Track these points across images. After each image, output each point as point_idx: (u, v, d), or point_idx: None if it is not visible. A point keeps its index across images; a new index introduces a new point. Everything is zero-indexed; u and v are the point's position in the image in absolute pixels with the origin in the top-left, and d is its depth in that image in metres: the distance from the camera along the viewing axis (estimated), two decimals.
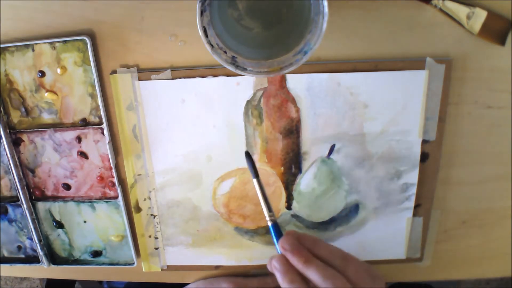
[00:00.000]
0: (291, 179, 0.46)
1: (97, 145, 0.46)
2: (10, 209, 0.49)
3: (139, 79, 0.43)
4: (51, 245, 0.51)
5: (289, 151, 0.45)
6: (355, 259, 0.37)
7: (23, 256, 0.52)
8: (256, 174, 0.39)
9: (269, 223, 0.39)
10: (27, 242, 0.51)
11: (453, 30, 0.40)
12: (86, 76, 0.43)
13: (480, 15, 0.39)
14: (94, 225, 0.49)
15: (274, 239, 0.38)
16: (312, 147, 0.45)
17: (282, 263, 0.35)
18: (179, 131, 0.45)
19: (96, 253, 0.51)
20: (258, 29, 0.38)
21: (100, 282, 0.78)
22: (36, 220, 0.49)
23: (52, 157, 0.47)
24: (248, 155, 0.41)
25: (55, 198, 0.48)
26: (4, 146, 0.45)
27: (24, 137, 0.46)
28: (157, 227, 0.49)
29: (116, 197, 0.47)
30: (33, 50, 0.42)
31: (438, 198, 0.47)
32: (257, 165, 0.46)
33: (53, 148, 0.46)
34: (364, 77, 0.42)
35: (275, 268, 0.35)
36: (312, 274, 0.34)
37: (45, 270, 0.52)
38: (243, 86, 0.43)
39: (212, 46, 0.34)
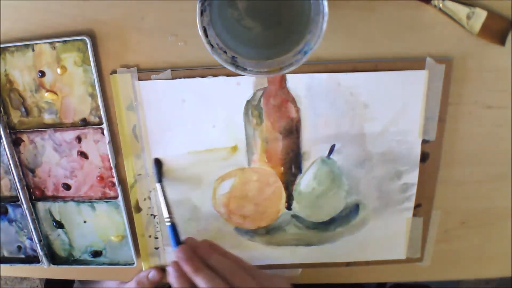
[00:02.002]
0: (291, 179, 0.46)
1: (97, 145, 0.46)
2: (10, 209, 0.49)
3: (139, 79, 0.43)
4: (51, 245, 0.51)
5: (289, 151, 0.45)
6: (247, 268, 0.40)
7: (23, 256, 0.52)
8: (159, 180, 0.45)
9: (168, 223, 0.44)
10: (27, 242, 0.51)
11: (453, 30, 0.40)
12: (86, 76, 0.43)
13: (480, 15, 0.39)
14: (94, 225, 0.49)
15: (172, 243, 0.44)
16: (312, 147, 0.45)
17: (175, 269, 0.39)
18: (179, 131, 0.45)
19: (96, 253, 0.51)
20: (258, 29, 0.38)
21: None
22: (36, 220, 0.49)
23: (52, 157, 0.47)
24: (156, 161, 0.46)
25: (55, 198, 0.48)
26: (4, 146, 0.45)
27: (24, 137, 0.46)
28: (157, 227, 0.49)
29: (116, 197, 0.47)
30: (33, 50, 0.42)
31: (438, 198, 0.47)
32: (257, 165, 0.46)
33: (53, 148, 0.46)
34: (364, 77, 0.42)
35: (168, 273, 0.40)
36: (200, 282, 0.38)
37: (45, 270, 0.52)
38: (243, 86, 0.43)
39: (212, 46, 0.34)
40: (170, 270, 0.40)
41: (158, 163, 0.45)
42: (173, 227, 0.44)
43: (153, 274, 0.50)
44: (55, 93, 0.44)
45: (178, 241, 0.44)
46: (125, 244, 0.50)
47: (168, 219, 0.44)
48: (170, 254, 0.50)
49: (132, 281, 0.51)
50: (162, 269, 0.51)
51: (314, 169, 0.46)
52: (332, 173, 0.46)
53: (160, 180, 0.45)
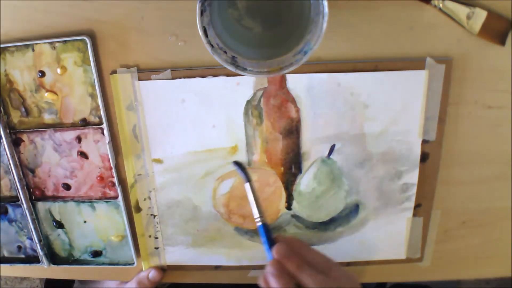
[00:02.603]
0: (291, 179, 0.46)
1: (97, 145, 0.46)
2: (10, 209, 0.49)
3: (139, 79, 0.43)
4: (51, 245, 0.51)
5: (289, 151, 0.45)
6: (335, 263, 0.40)
7: (23, 256, 0.52)
8: (248, 179, 0.41)
9: (258, 224, 0.41)
10: (27, 242, 0.51)
11: (453, 30, 0.40)
12: (86, 76, 0.43)
13: (480, 15, 0.39)
14: (94, 225, 0.49)
15: (265, 242, 0.40)
16: (312, 147, 0.45)
17: (276, 268, 0.38)
18: (179, 131, 0.45)
19: (96, 253, 0.51)
20: (258, 29, 0.38)
21: None
22: (36, 220, 0.49)
23: (52, 157, 0.47)
24: (237, 164, 0.43)
25: (55, 198, 0.48)
26: (4, 146, 0.45)
27: (24, 137, 0.46)
28: (157, 227, 0.49)
29: (116, 197, 0.47)
30: (33, 50, 0.42)
31: (438, 198, 0.47)
32: (257, 165, 0.46)
33: (53, 148, 0.46)
34: (364, 77, 0.42)
35: (270, 273, 0.38)
36: (305, 279, 0.37)
37: (45, 270, 0.52)
38: (243, 86, 0.43)
39: (212, 46, 0.34)
40: (270, 270, 0.38)
41: (239, 165, 0.43)
42: (265, 227, 0.41)
43: (153, 274, 0.50)
44: (55, 93, 0.44)
45: (271, 240, 0.40)
46: (125, 244, 0.50)
47: (259, 219, 0.41)
48: (170, 254, 0.50)
49: (132, 281, 0.51)
50: (162, 269, 0.51)
51: (314, 169, 0.46)
52: (332, 173, 0.46)
53: (248, 180, 0.41)
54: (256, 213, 0.41)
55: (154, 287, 0.51)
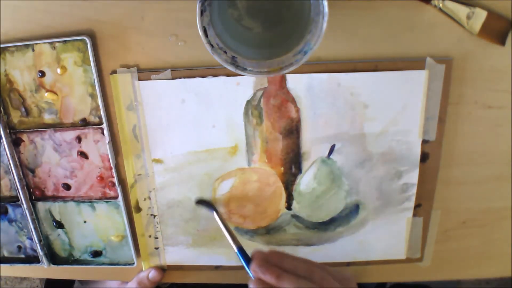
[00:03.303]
0: (291, 179, 0.46)
1: (97, 145, 0.46)
2: (10, 209, 0.49)
3: (139, 79, 0.43)
4: (51, 245, 0.51)
5: (289, 151, 0.45)
6: (319, 266, 0.40)
7: (23, 256, 0.52)
8: (214, 208, 0.46)
9: (235, 249, 0.43)
10: (27, 242, 0.51)
11: (453, 30, 0.40)
12: (86, 76, 0.43)
13: (480, 15, 0.39)
14: (94, 225, 0.49)
15: (244, 264, 0.42)
16: (312, 147, 0.45)
17: (258, 285, 0.38)
18: (179, 131, 0.45)
19: (96, 253, 0.51)
20: (258, 29, 0.38)
21: None
22: (36, 220, 0.49)
23: (52, 157, 0.47)
24: (200, 202, 0.46)
25: (55, 198, 0.48)
26: (4, 146, 0.45)
27: (24, 137, 0.46)
28: (157, 227, 0.49)
29: (116, 197, 0.47)
30: (33, 50, 0.42)
31: (438, 198, 0.47)
32: (257, 165, 0.46)
33: (53, 148, 0.46)
34: (364, 77, 0.42)
35: None
36: (285, 284, 0.37)
37: (45, 270, 0.52)
38: (243, 86, 0.43)
39: (212, 46, 0.34)
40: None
41: (202, 202, 0.46)
42: (241, 250, 0.43)
43: (153, 274, 0.50)
44: (55, 93, 0.44)
45: (248, 260, 0.42)
46: (125, 244, 0.50)
47: (234, 245, 0.44)
48: (170, 254, 0.50)
49: (132, 281, 0.51)
50: (162, 269, 0.51)
51: (314, 169, 0.46)
52: (332, 173, 0.46)
53: (215, 210, 0.46)
54: (230, 240, 0.44)
55: (155, 287, 0.51)
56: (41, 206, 0.49)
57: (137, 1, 0.40)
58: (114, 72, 0.43)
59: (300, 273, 0.38)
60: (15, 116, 0.45)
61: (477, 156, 0.46)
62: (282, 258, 0.40)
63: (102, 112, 0.44)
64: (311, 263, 0.40)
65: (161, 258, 0.51)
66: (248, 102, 0.43)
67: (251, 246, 0.50)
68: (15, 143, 0.46)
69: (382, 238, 0.49)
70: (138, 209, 0.48)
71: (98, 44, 0.42)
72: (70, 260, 0.52)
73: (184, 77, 0.43)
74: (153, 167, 0.46)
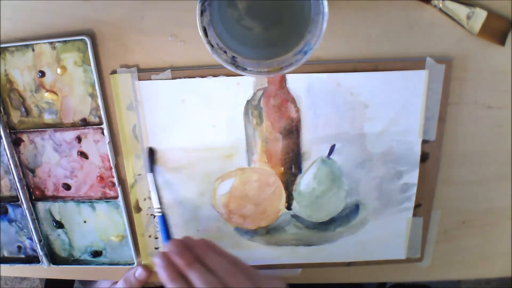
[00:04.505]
0: (291, 179, 0.46)
1: (97, 145, 0.46)
2: (10, 209, 0.49)
3: (139, 79, 0.43)
4: (51, 245, 0.51)
5: (289, 151, 0.45)
6: (242, 270, 0.39)
7: (23, 256, 0.52)
8: (151, 169, 0.45)
9: (158, 214, 0.44)
10: (27, 242, 0.51)
11: (453, 30, 0.40)
12: (86, 76, 0.43)
13: (480, 15, 0.39)
14: (94, 225, 0.49)
15: (162, 233, 0.43)
16: (312, 147, 0.45)
17: (162, 259, 0.38)
18: (179, 131, 0.45)
19: (96, 253, 0.51)
20: (258, 29, 0.38)
21: None
22: (36, 220, 0.49)
23: (52, 157, 0.47)
24: (150, 150, 0.45)
25: (55, 198, 0.48)
26: (4, 146, 0.45)
27: (24, 137, 0.46)
28: (157, 227, 0.49)
29: (116, 197, 0.47)
30: (33, 50, 0.42)
31: (438, 198, 0.47)
32: (257, 165, 0.46)
33: (53, 148, 0.46)
34: (364, 77, 0.42)
35: (157, 264, 0.38)
36: (193, 277, 0.37)
37: (45, 270, 0.52)
38: (243, 86, 0.43)
39: (212, 46, 0.34)
40: (158, 260, 0.38)
41: (151, 152, 0.45)
42: (164, 219, 0.43)
43: (139, 272, 0.50)
44: (55, 93, 0.44)
45: (168, 235, 0.43)
46: (125, 244, 0.50)
47: (159, 210, 0.44)
48: None
49: (120, 280, 0.51)
50: (149, 268, 0.51)
51: (314, 169, 0.46)
52: (332, 173, 0.46)
53: (151, 170, 0.45)
54: (156, 204, 0.44)
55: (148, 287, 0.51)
56: (41, 206, 0.49)
57: (137, 1, 0.40)
58: (114, 72, 0.43)
59: (217, 271, 0.37)
60: (15, 116, 0.45)
61: (477, 156, 0.46)
62: (207, 251, 0.39)
63: (102, 112, 0.44)
64: (235, 265, 0.39)
65: None
66: (248, 102, 0.43)
67: (251, 246, 0.50)
68: (15, 143, 0.46)
69: (382, 238, 0.49)
70: (138, 209, 0.48)
71: (98, 44, 0.42)
72: (70, 260, 0.52)
73: (184, 77, 0.43)
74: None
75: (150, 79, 0.43)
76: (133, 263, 0.50)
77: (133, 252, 0.50)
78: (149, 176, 0.45)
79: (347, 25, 0.41)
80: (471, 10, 0.39)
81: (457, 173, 0.46)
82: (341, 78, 0.42)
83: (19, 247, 0.52)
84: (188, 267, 0.37)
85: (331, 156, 0.45)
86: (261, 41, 0.38)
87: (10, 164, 0.46)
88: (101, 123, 0.44)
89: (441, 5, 0.39)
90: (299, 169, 0.46)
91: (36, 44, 0.42)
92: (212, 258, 0.39)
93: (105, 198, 0.48)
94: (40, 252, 0.50)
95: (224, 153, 0.45)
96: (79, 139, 0.45)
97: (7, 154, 0.46)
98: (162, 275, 0.38)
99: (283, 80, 0.42)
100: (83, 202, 0.48)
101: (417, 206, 0.47)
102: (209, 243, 0.41)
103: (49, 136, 0.46)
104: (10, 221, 0.50)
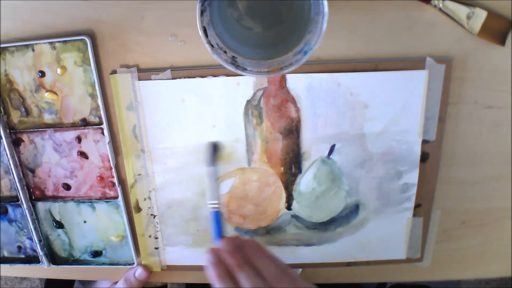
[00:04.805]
0: (291, 179, 0.46)
1: (97, 145, 0.46)
2: (10, 209, 0.49)
3: (139, 79, 0.43)
4: (51, 245, 0.51)
5: (289, 151, 0.45)
6: (290, 277, 0.38)
7: (23, 256, 0.52)
8: (213, 163, 0.43)
9: (213, 210, 0.42)
10: (27, 242, 0.51)
11: (453, 30, 0.41)
12: (86, 76, 0.43)
13: (480, 15, 0.39)
14: (94, 225, 0.49)
15: (215, 229, 0.41)
16: (312, 147, 0.45)
17: (213, 256, 0.38)
18: (179, 131, 0.45)
19: (96, 253, 0.51)
20: (258, 29, 0.38)
21: None
22: (36, 220, 0.49)
23: (52, 157, 0.47)
24: (214, 145, 0.44)
25: (55, 198, 0.48)
26: (4, 146, 0.45)
27: (24, 137, 0.46)
28: (157, 227, 0.49)
29: (116, 197, 0.47)
30: (33, 50, 0.42)
31: (438, 198, 0.47)
32: (257, 165, 0.46)
33: (53, 148, 0.46)
34: (364, 77, 0.42)
35: (207, 259, 0.38)
36: (242, 278, 0.36)
37: (45, 270, 0.52)
38: (243, 86, 0.43)
39: (212, 46, 0.34)
40: (208, 257, 0.38)
41: (215, 147, 0.44)
42: (219, 215, 0.41)
43: (139, 272, 0.50)
44: (55, 93, 0.44)
45: (221, 232, 0.41)
46: (125, 244, 0.50)
47: (216, 206, 0.41)
48: (170, 254, 0.50)
49: (120, 280, 0.51)
50: (149, 268, 0.51)
51: (314, 169, 0.46)
52: (332, 173, 0.46)
53: (213, 164, 0.43)
54: (213, 199, 0.42)
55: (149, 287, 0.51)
56: (41, 206, 0.49)
57: (137, 1, 0.40)
58: (114, 72, 0.43)
59: (265, 275, 0.37)
60: (15, 116, 0.45)
61: (477, 156, 0.46)
62: (258, 253, 0.39)
63: (102, 112, 0.44)
64: (284, 272, 0.38)
65: (161, 258, 0.51)
66: (248, 102, 0.43)
67: None
68: (15, 143, 0.46)
69: (382, 238, 0.49)
70: (138, 209, 0.48)
71: (98, 44, 0.42)
72: (70, 260, 0.52)
73: (184, 77, 0.43)
74: (153, 167, 0.46)
75: (150, 79, 0.43)
76: (133, 263, 0.50)
77: (133, 252, 0.50)
78: (210, 169, 0.43)
79: (347, 25, 0.41)
80: (471, 10, 0.39)
81: (457, 173, 0.46)
82: (341, 78, 0.42)
83: (19, 247, 0.52)
84: (238, 268, 0.37)
85: (331, 156, 0.45)
86: (261, 41, 0.38)
87: (10, 164, 0.46)
88: (101, 123, 0.44)
89: (441, 5, 0.39)
90: (299, 169, 0.46)
91: (36, 44, 0.42)
92: (262, 261, 0.38)
93: (105, 198, 0.48)
94: (40, 252, 0.50)
95: (224, 153, 0.45)
96: (79, 139, 0.45)
97: (7, 154, 0.46)
98: (211, 272, 0.37)
99: (283, 80, 0.42)
100: (83, 202, 0.48)
101: (417, 206, 0.47)
102: (259, 245, 0.40)
103: (49, 136, 0.46)
104: (10, 221, 0.50)
